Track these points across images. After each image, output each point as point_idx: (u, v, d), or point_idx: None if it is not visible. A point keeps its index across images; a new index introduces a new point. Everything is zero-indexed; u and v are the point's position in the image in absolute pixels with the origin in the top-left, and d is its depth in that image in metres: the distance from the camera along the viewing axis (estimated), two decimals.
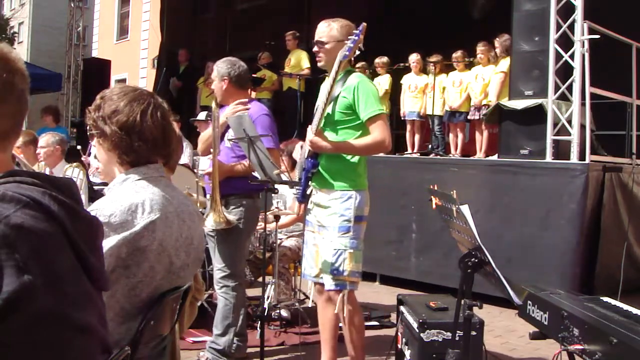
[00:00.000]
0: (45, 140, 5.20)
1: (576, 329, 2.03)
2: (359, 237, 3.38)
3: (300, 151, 3.65)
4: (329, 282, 3.38)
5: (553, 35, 5.69)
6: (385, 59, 8.29)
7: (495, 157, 6.38)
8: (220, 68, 3.97)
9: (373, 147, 3.37)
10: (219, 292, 3.91)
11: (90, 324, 1.16)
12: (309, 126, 3.41)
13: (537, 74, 5.84)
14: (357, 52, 3.28)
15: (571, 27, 5.66)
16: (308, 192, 3.48)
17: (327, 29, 3.45)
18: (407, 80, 8.25)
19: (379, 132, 3.32)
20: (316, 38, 3.48)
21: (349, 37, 3.23)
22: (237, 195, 3.86)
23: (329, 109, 3.37)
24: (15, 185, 1.12)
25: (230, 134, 3.84)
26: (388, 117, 4.05)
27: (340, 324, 3.49)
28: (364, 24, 3.23)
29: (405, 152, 7.96)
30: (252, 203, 3.91)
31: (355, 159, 3.41)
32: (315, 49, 3.50)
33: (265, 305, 4.42)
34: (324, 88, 3.53)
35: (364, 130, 3.37)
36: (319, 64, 3.54)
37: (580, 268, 5.30)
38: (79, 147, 7.46)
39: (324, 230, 3.41)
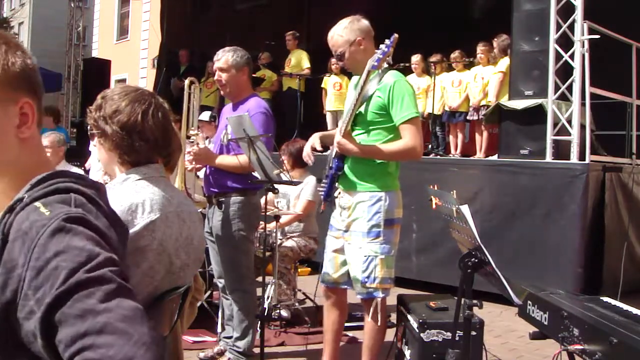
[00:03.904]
0: (50, 140, 5.19)
1: (576, 329, 2.03)
2: (390, 241, 3.24)
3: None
4: (359, 290, 3.25)
5: (553, 35, 5.69)
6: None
7: (495, 157, 6.38)
8: (236, 58, 3.75)
9: (402, 153, 3.21)
10: (232, 298, 3.78)
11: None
12: (338, 126, 3.27)
13: (537, 74, 5.85)
14: (386, 65, 3.17)
15: (571, 27, 5.66)
16: (335, 194, 3.33)
17: (336, 38, 3.29)
18: (409, 81, 8.26)
19: (410, 138, 3.15)
20: (333, 51, 3.33)
21: (379, 47, 3.09)
22: (228, 194, 3.71)
23: (362, 109, 3.22)
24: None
25: (224, 132, 3.78)
26: None
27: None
28: (396, 35, 3.08)
29: None
30: (245, 201, 3.73)
31: None
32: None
33: (265, 305, 4.42)
34: (353, 88, 3.43)
35: (396, 133, 3.20)
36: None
37: (583, 268, 5.30)
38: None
39: (350, 235, 3.27)
